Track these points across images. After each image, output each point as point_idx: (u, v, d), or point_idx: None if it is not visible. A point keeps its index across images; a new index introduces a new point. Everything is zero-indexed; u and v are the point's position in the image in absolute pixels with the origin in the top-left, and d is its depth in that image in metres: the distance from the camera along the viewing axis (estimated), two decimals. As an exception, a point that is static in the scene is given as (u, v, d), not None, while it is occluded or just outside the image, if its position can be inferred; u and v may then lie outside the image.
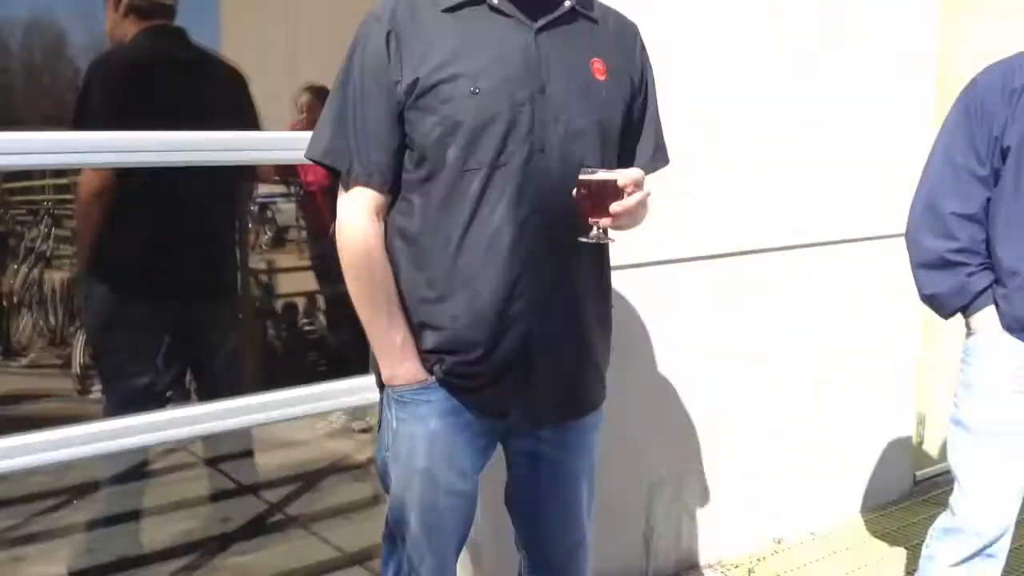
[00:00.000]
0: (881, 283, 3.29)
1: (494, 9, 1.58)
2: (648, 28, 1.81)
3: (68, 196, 5.62)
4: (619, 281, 2.52)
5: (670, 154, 1.84)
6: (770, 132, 2.92)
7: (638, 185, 1.55)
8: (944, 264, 2.13)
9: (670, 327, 2.76)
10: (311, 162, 1.65)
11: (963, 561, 2.17)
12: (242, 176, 3.06)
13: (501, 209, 1.56)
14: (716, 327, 2.87)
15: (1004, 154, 2.06)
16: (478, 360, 1.60)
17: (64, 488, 3.31)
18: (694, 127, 2.72)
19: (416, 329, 1.63)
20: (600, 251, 1.69)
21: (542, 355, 1.63)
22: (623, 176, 1.54)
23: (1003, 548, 2.17)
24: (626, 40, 1.75)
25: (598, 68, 1.65)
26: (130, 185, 2.59)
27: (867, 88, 3.19)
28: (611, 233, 1.61)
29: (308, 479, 3.66)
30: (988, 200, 2.10)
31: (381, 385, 1.70)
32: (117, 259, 2.69)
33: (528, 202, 1.57)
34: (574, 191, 1.56)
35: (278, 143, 2.38)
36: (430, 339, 1.62)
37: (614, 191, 1.53)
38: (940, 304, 2.18)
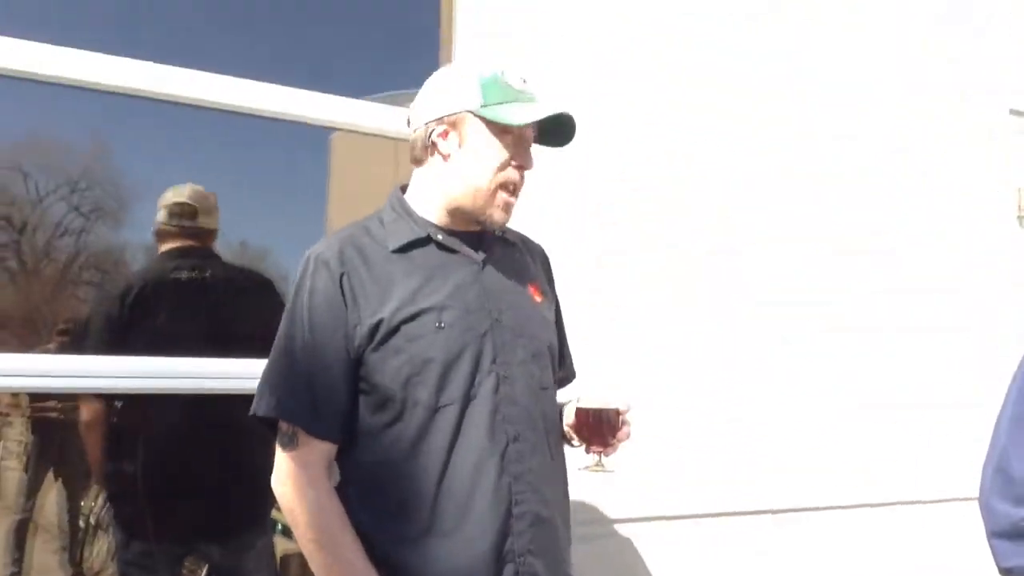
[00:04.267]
0: (947, 551, 2.92)
1: (441, 247, 1.62)
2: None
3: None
4: (634, 532, 2.42)
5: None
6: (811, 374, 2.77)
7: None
8: (1020, 533, 1.94)
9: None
10: (261, 420, 1.56)
11: None
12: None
13: (479, 442, 1.53)
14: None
15: None
16: None
17: None
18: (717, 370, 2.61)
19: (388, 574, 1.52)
20: (565, 472, 1.69)
21: None
22: (624, 403, 1.58)
23: None
24: (541, 261, 1.83)
25: (535, 291, 1.70)
26: (124, 417, 2.51)
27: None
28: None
29: None
30: None
31: None
32: (126, 498, 2.60)
33: (502, 430, 1.55)
34: (570, 421, 1.60)
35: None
36: None
37: (613, 420, 1.56)
38: None
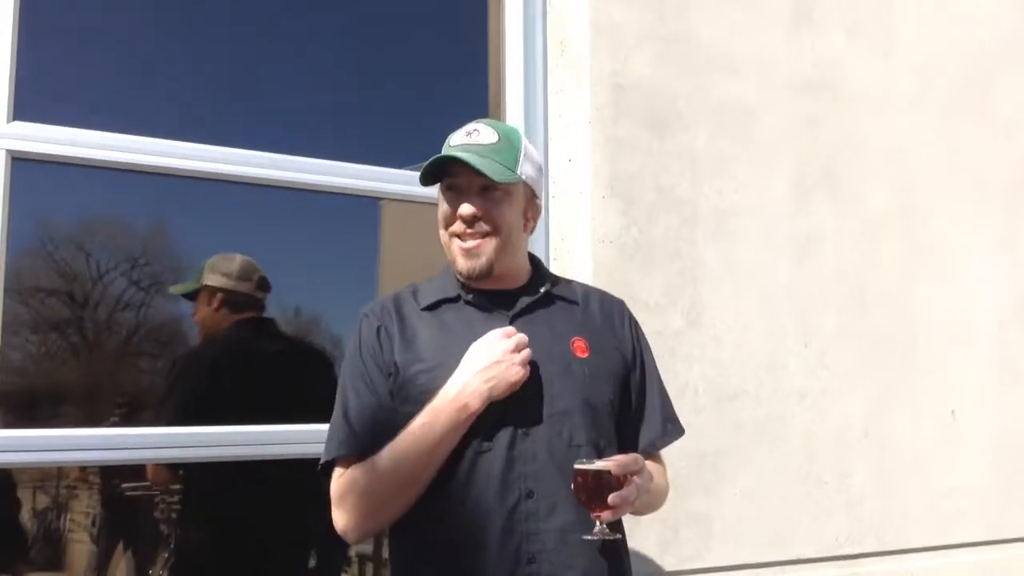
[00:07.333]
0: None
1: (469, 304, 1.64)
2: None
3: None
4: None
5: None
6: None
7: (636, 473, 1.49)
8: None
9: None
10: (321, 469, 1.60)
11: None
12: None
13: (488, 495, 1.51)
14: None
15: None
16: None
17: None
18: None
19: None
20: (616, 545, 1.57)
21: None
22: (617, 465, 1.46)
23: None
24: (612, 317, 1.74)
25: (579, 346, 1.64)
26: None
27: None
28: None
29: None
30: None
31: None
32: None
33: (516, 487, 1.52)
34: (571, 484, 1.48)
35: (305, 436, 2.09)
36: None
37: (611, 482, 1.45)
38: None
